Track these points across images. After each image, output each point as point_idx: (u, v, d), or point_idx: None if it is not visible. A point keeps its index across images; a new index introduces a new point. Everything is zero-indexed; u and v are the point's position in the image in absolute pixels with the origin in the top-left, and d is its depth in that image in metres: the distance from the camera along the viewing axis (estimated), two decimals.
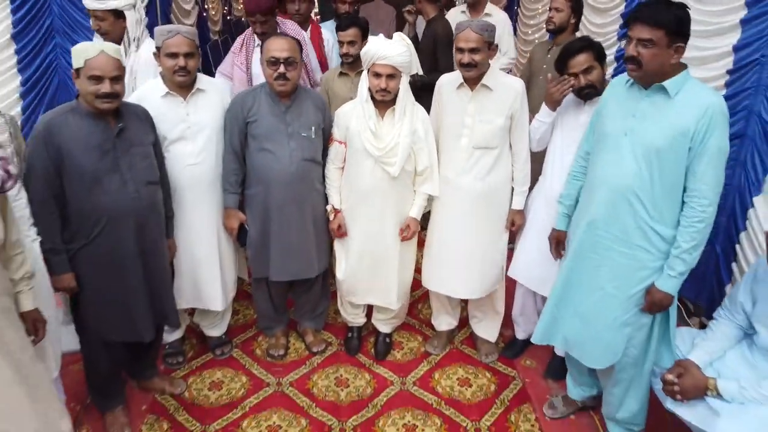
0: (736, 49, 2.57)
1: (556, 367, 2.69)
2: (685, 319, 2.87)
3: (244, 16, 6.21)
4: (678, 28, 1.80)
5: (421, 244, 2.80)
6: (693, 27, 1.88)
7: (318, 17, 6.95)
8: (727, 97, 2.53)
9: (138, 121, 2.21)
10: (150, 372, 2.59)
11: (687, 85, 1.86)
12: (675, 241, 1.90)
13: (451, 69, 2.87)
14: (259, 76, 2.98)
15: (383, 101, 2.44)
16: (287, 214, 2.56)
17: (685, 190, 1.88)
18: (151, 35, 3.11)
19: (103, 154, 2.07)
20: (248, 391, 2.64)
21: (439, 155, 2.59)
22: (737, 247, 2.60)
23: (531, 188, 2.64)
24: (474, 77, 2.43)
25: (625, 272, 1.99)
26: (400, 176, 2.50)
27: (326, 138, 2.63)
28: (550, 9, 3.32)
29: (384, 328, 2.92)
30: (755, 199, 2.49)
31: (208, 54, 5.31)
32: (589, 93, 2.33)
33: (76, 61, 2.00)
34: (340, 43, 2.99)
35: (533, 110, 2.57)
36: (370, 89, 2.43)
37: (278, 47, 2.41)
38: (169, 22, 4.28)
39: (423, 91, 3.01)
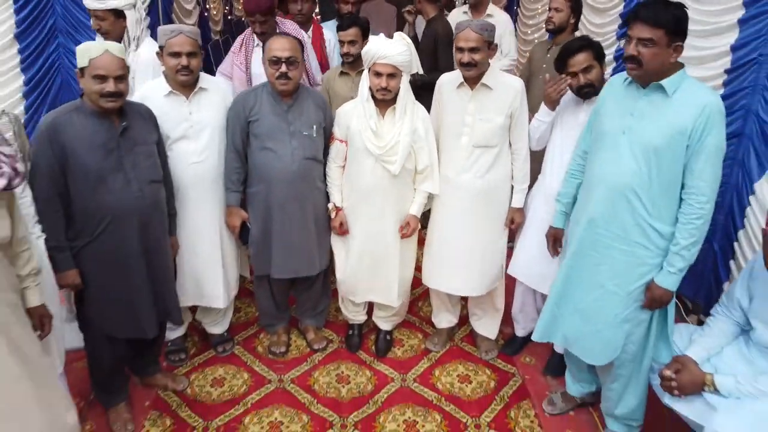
0: (734, 48, 2.59)
1: (555, 364, 2.71)
2: (684, 317, 2.89)
3: (244, 16, 6.23)
4: (677, 28, 1.82)
5: (421, 242, 2.81)
6: (691, 27, 1.90)
7: (318, 17, 6.95)
8: (724, 97, 2.55)
9: (141, 120, 2.23)
10: (153, 368, 2.61)
11: (684, 83, 1.87)
12: (674, 237, 1.92)
13: (451, 68, 2.88)
14: (258, 76, 2.99)
15: (384, 100, 2.46)
16: (289, 212, 2.57)
17: (683, 187, 1.90)
18: (153, 35, 3.14)
19: (107, 153, 2.08)
20: (250, 388, 2.66)
21: (439, 154, 2.61)
22: (735, 245, 2.62)
23: (531, 186, 2.65)
24: (474, 76, 2.45)
25: (624, 269, 2.01)
26: (400, 175, 2.52)
27: (327, 137, 2.64)
28: (550, 9, 3.33)
29: (384, 325, 2.94)
30: (757, 185, 2.49)
31: (209, 54, 5.32)
32: (588, 92, 2.34)
33: (81, 61, 2.02)
34: (341, 42, 3.00)
35: (533, 110, 2.58)
36: (370, 88, 2.44)
37: (280, 47, 2.42)
38: (170, 21, 4.30)
39: (423, 90, 3.01)
